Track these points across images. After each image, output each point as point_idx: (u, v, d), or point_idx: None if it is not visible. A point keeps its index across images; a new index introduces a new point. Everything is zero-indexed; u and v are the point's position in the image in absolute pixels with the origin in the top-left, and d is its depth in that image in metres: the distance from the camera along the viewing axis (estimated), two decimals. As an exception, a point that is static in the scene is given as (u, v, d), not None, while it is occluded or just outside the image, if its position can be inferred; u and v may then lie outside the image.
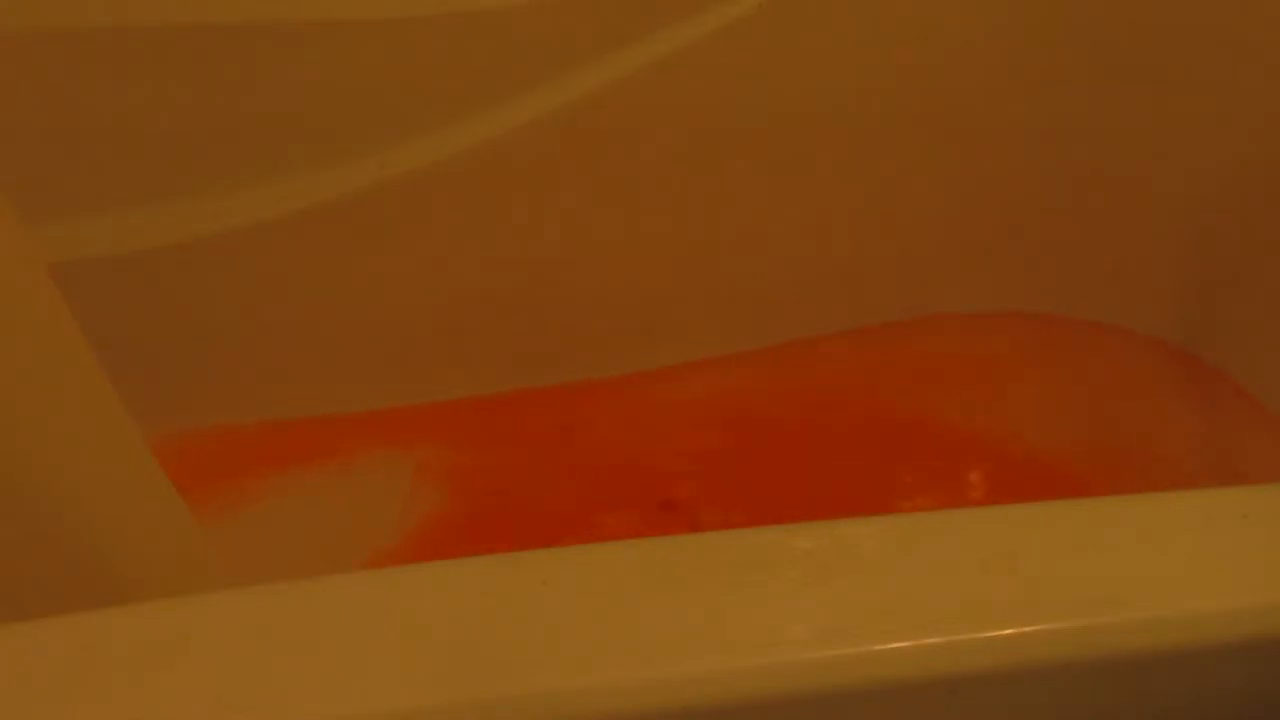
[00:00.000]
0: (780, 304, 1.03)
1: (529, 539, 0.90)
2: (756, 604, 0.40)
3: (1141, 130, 0.94)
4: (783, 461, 0.97)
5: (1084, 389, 1.02)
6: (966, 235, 1.02)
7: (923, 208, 1.00)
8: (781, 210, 0.97)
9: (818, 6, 0.86)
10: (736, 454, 0.97)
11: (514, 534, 0.91)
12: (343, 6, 0.81)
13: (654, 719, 0.39)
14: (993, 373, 1.03)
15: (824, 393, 1.01)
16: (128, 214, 0.86)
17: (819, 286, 1.03)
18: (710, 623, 0.40)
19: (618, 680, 0.38)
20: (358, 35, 0.82)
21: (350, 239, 0.90)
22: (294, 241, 0.89)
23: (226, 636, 0.40)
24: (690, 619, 0.40)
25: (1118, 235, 1.01)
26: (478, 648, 0.39)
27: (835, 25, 0.87)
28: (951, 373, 1.03)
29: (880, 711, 0.41)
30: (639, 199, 0.94)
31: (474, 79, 0.86)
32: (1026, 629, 0.39)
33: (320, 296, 0.93)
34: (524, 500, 0.94)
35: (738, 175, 0.94)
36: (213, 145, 0.85)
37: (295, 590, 0.42)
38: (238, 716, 0.37)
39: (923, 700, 0.40)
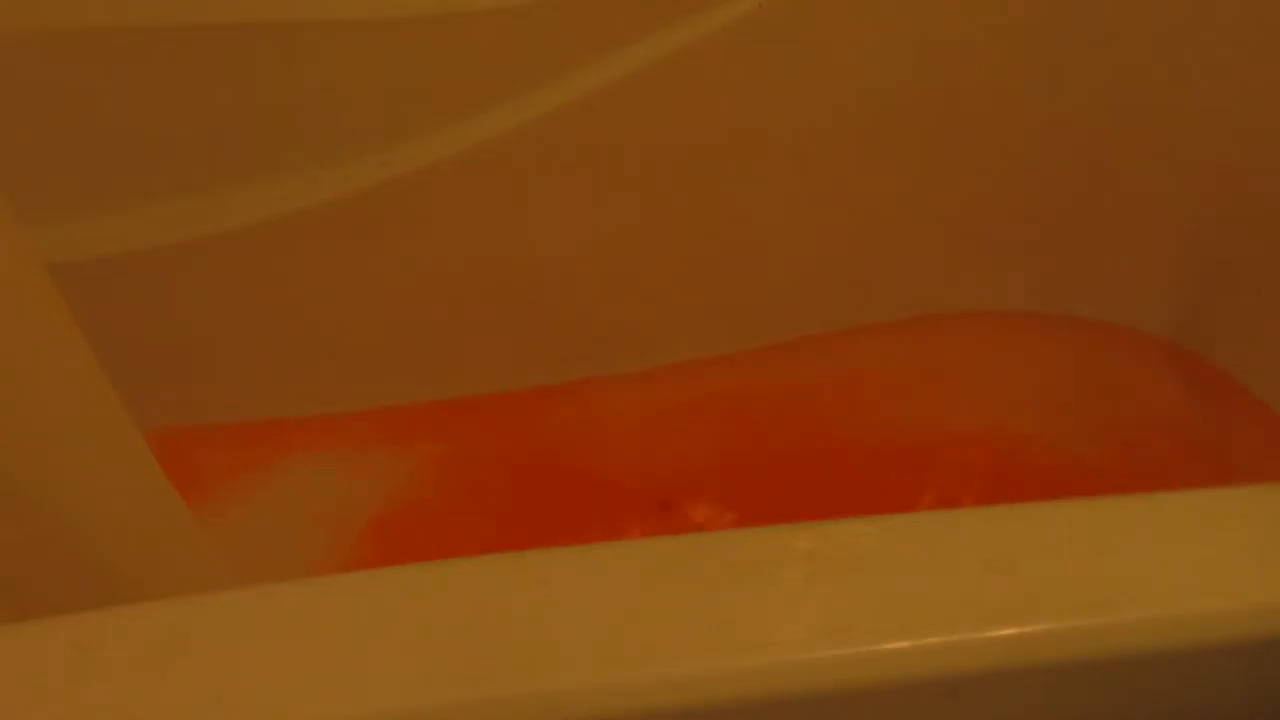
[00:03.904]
0: (780, 303, 1.03)
1: (528, 538, 0.90)
2: (756, 604, 0.40)
3: (1142, 130, 0.94)
4: (783, 461, 0.97)
5: (1084, 388, 1.02)
6: (967, 234, 1.02)
7: (923, 207, 1.00)
8: (781, 210, 0.97)
9: (819, 6, 0.86)
10: (736, 454, 0.97)
11: (512, 533, 0.91)
12: (343, 6, 0.81)
13: (654, 719, 0.39)
14: (992, 372, 1.03)
15: (824, 392, 1.01)
16: (128, 214, 0.86)
17: (819, 285, 1.03)
18: (710, 623, 0.40)
19: (618, 680, 0.38)
20: (358, 35, 0.82)
21: (350, 239, 0.90)
22: (294, 241, 0.89)
23: (226, 636, 0.40)
24: (690, 619, 0.40)
25: (1118, 234, 1.01)
26: (478, 648, 0.39)
27: (836, 25, 0.87)
28: (951, 372, 1.03)
29: (880, 711, 0.41)
30: (639, 199, 0.94)
31: (474, 79, 0.86)
32: (1026, 629, 0.40)
33: (320, 296, 0.93)
34: (523, 499, 0.94)
35: (738, 175, 0.94)
36: (213, 145, 0.85)
37: (295, 590, 0.42)
38: (237, 716, 0.37)
39: (923, 700, 0.40)
